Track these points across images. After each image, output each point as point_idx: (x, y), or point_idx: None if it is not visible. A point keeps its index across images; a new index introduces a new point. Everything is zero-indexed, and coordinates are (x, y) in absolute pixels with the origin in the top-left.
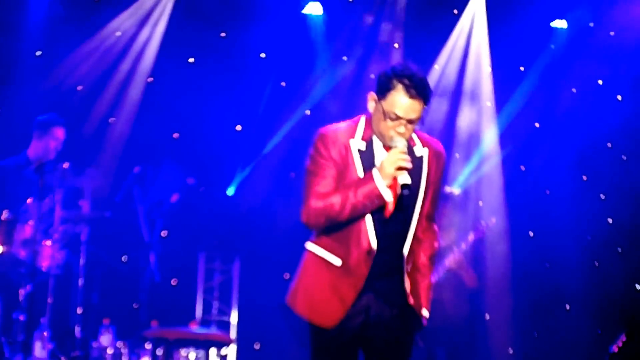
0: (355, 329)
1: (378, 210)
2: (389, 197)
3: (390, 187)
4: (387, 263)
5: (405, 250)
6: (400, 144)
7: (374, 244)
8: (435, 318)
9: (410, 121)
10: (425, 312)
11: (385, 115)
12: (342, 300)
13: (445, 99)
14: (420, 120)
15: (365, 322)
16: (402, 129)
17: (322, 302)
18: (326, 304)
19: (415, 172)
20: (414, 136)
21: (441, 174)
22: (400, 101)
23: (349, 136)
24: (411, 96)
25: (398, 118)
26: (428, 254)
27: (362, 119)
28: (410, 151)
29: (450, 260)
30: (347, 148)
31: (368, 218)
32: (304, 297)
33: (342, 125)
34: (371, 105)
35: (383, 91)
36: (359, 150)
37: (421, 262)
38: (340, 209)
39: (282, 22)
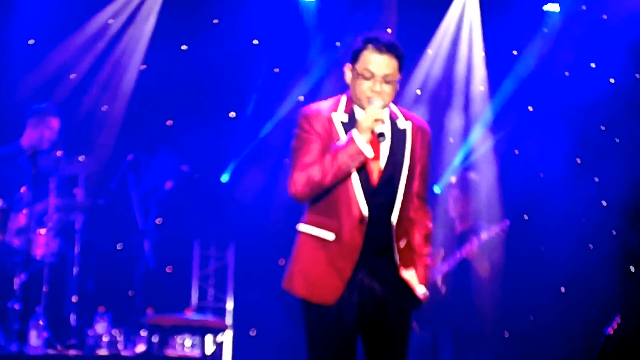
0: (352, 312)
1: (365, 180)
2: (369, 152)
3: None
4: (378, 237)
5: (394, 219)
6: (378, 102)
7: (365, 212)
8: (439, 303)
9: (385, 79)
10: (421, 289)
11: (360, 76)
12: (340, 274)
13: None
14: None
15: (361, 302)
16: (377, 87)
17: (320, 279)
18: (325, 280)
19: (398, 144)
20: (397, 111)
21: (427, 150)
22: (372, 57)
23: (331, 110)
24: (381, 52)
25: (372, 75)
26: (422, 233)
27: (344, 96)
28: (394, 123)
29: (467, 250)
30: (330, 121)
31: (357, 188)
32: (301, 278)
33: (324, 102)
34: (347, 75)
35: (356, 56)
36: (342, 123)
37: (416, 242)
38: (323, 173)
39: (274, 8)
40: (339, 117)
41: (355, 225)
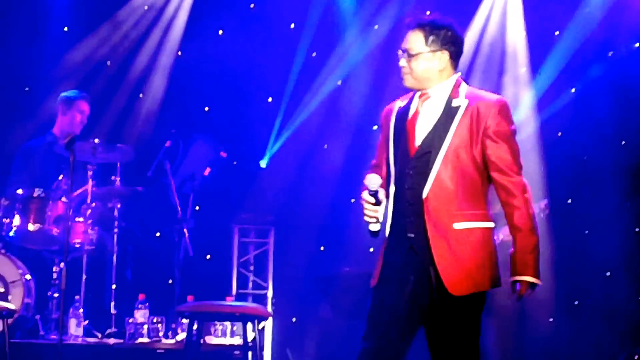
0: (406, 293)
1: (404, 151)
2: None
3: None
4: (414, 210)
5: (425, 193)
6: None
7: (398, 181)
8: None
9: (406, 53)
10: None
11: None
12: (391, 250)
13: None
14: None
15: (414, 286)
16: (399, 63)
17: (381, 260)
18: (383, 259)
19: (446, 119)
20: (462, 89)
21: (495, 122)
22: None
23: (401, 100)
24: (407, 29)
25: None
26: (511, 213)
27: None
28: (449, 101)
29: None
30: (391, 110)
31: (392, 160)
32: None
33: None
34: None
35: None
36: (399, 107)
37: (509, 225)
38: None
39: None
40: (400, 103)
41: (395, 197)
